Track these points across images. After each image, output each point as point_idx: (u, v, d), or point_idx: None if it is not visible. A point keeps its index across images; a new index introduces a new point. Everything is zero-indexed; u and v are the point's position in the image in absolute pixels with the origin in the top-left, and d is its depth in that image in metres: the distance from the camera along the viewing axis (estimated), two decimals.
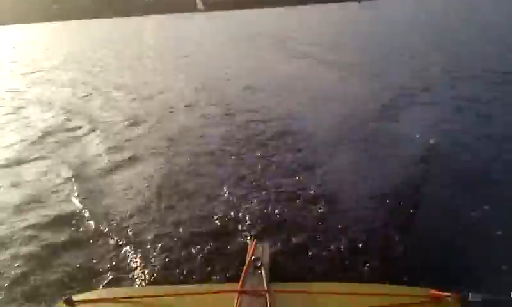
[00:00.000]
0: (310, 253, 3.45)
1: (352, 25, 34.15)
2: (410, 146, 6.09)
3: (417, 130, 6.65)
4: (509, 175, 4.91)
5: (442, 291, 1.42)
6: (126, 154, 6.51)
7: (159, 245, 3.76)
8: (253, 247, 1.95)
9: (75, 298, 1.54)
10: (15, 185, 5.52)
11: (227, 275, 3.13)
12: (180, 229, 4.02)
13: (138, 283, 3.21)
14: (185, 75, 14.25)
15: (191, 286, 1.92)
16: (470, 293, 1.34)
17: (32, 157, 6.62)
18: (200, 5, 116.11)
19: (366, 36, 24.19)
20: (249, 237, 3.69)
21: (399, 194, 4.43)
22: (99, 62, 19.57)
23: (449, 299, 1.40)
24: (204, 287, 1.77)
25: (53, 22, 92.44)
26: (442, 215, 4.12)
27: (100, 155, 6.52)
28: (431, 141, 6.13)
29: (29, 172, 5.95)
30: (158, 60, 19.50)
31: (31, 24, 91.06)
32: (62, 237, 4.07)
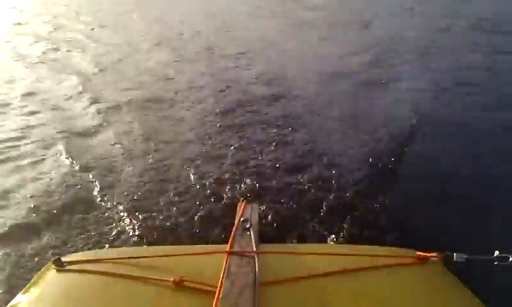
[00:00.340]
0: (299, 215, 3.51)
1: None
2: (396, 107, 6.13)
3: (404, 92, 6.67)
4: (494, 140, 5.02)
5: (427, 253, 1.44)
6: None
7: (150, 207, 3.78)
8: (242, 208, 1.93)
9: (64, 259, 1.53)
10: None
11: (217, 236, 3.20)
12: (171, 191, 4.02)
13: (129, 244, 3.25)
14: (185, 28, 13.74)
15: (179, 246, 1.93)
16: (454, 254, 1.37)
17: None
18: None
19: None
20: (241, 199, 3.71)
21: (384, 157, 4.50)
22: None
23: (434, 259, 1.43)
24: (193, 248, 1.76)
25: None
26: (426, 178, 4.21)
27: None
28: (417, 102, 6.16)
29: None
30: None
31: None
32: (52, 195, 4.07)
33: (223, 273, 1.35)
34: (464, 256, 1.36)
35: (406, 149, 4.76)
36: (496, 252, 1.30)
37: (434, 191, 3.95)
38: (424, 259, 1.44)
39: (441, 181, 4.12)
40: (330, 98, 6.57)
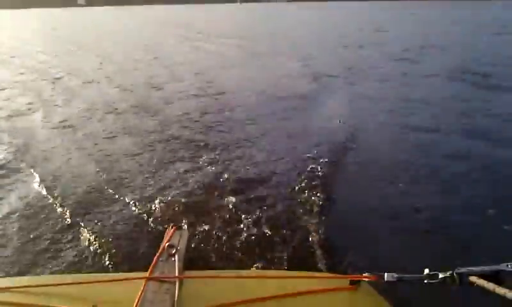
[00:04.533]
0: (230, 241, 3.36)
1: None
2: (328, 124, 6.47)
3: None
4: (420, 158, 5.26)
5: (359, 276, 1.41)
6: None
7: (68, 232, 3.51)
8: (170, 234, 1.80)
9: None
10: None
11: (140, 264, 2.91)
12: (95, 215, 3.77)
13: (38, 272, 2.93)
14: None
15: (93, 274, 1.74)
16: (385, 274, 1.33)
17: None
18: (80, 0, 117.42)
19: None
20: (171, 225, 3.49)
21: (314, 179, 4.52)
22: None
23: (366, 280, 1.39)
24: (109, 275, 1.59)
25: None
26: (357, 200, 4.28)
27: None
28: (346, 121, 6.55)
29: None
30: None
31: None
32: None
33: (138, 300, 1.21)
34: (396, 276, 1.32)
35: (338, 165, 4.91)
36: (426, 270, 1.27)
37: (366, 212, 4.02)
38: (355, 283, 1.40)
39: (373, 200, 4.23)
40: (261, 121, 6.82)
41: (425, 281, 1.25)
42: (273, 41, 20.88)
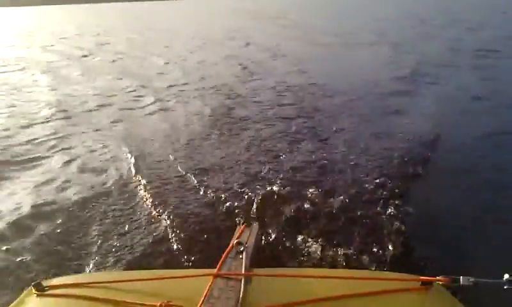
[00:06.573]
0: (303, 239, 3.33)
1: None
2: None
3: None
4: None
5: (431, 277, 1.35)
6: None
7: (143, 227, 3.68)
8: (240, 231, 1.86)
9: (45, 283, 1.46)
10: None
11: (210, 260, 3.03)
12: (168, 213, 3.89)
13: (116, 267, 3.13)
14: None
15: (167, 270, 1.86)
16: (461, 277, 1.28)
17: None
18: None
19: None
20: (241, 221, 3.59)
21: (393, 179, 4.34)
22: None
23: (440, 283, 1.34)
24: (180, 271, 1.69)
25: None
26: (434, 203, 4.06)
27: None
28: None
29: None
30: None
31: None
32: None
33: (204, 297, 1.28)
34: (472, 280, 1.26)
35: (417, 169, 4.65)
36: (506, 276, 1.20)
37: (444, 213, 3.83)
38: (428, 284, 1.35)
39: (452, 203, 4.01)
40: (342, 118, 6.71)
41: (505, 287, 1.19)
42: None
